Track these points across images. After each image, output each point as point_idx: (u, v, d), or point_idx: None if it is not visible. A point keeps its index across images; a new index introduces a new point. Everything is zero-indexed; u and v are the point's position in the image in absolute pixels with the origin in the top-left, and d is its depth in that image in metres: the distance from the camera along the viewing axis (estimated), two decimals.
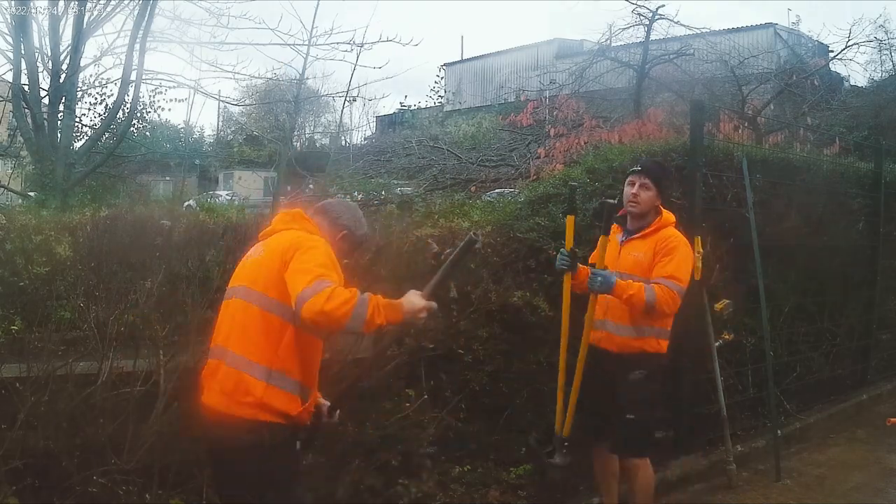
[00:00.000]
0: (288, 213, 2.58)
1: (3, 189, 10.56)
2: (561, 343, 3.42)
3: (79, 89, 11.19)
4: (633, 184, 3.43)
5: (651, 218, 3.45)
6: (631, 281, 3.24)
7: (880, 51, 14.97)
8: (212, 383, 2.38)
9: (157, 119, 16.60)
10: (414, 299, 2.35)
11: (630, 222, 3.49)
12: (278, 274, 2.30)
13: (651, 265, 3.33)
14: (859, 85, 16.38)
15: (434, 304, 2.39)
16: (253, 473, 2.33)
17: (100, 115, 12.10)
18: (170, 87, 11.91)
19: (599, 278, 3.21)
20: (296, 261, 2.28)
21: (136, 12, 10.05)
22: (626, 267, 3.39)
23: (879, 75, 16.41)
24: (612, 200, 3.37)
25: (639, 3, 10.49)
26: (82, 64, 10.71)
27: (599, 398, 3.40)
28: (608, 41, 12.00)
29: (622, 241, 3.50)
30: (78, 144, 11.43)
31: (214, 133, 32.38)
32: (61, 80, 10.19)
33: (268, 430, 2.30)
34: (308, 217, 2.56)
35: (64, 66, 10.27)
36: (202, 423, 2.44)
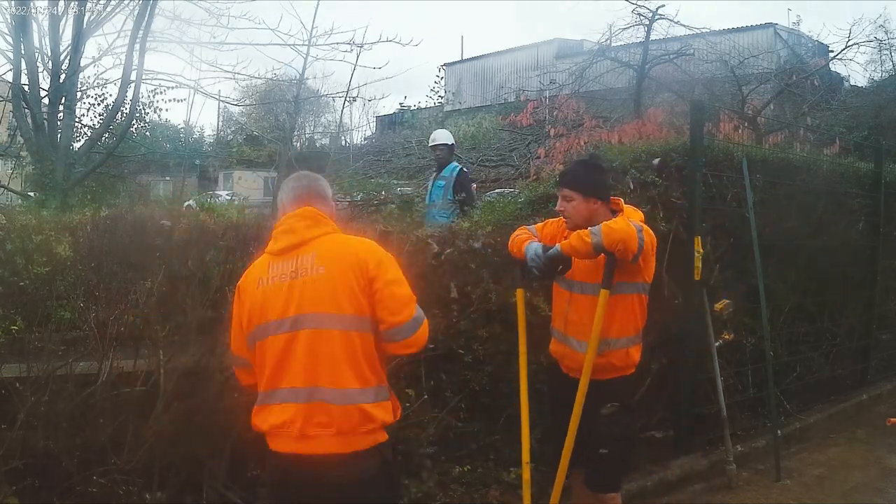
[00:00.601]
0: (307, 217, 2.25)
1: (3, 189, 10.56)
2: (520, 366, 3.20)
3: (79, 89, 11.19)
4: (559, 199, 3.11)
5: (597, 222, 2.97)
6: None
7: (880, 51, 14.99)
8: (311, 429, 2.09)
9: (157, 119, 16.60)
10: None
11: None
12: (353, 289, 2.11)
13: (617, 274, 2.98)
14: (859, 85, 16.39)
15: None
16: (382, 499, 2.21)
17: (100, 115, 12.11)
18: (170, 87, 11.88)
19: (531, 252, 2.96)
20: (386, 276, 2.13)
21: (136, 12, 10.05)
22: (580, 275, 3.07)
23: (879, 75, 16.43)
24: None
25: (639, 3, 10.49)
26: (82, 64, 10.73)
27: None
28: (608, 41, 12.01)
29: None
30: (78, 144, 11.43)
31: (214, 133, 32.39)
32: (61, 80, 10.19)
33: (387, 449, 2.19)
34: (324, 214, 2.29)
35: (64, 66, 10.27)
36: (295, 478, 2.14)
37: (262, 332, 2.17)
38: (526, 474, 3.14)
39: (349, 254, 2.15)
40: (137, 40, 9.83)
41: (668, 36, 11.49)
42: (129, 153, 12.64)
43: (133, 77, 10.14)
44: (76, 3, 10.14)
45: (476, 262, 3.90)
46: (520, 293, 3.25)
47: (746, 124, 9.32)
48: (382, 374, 2.21)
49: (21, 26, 9.59)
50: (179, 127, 22.99)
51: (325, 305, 2.09)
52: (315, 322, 2.09)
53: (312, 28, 10.13)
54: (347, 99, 12.13)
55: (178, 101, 12.72)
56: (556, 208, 3.13)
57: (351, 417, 2.09)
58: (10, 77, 9.74)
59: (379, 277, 2.13)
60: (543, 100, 14.59)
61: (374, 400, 2.13)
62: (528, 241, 3.11)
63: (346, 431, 2.08)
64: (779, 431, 4.70)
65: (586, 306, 3.00)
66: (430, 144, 6.69)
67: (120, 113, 11.00)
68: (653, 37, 10.98)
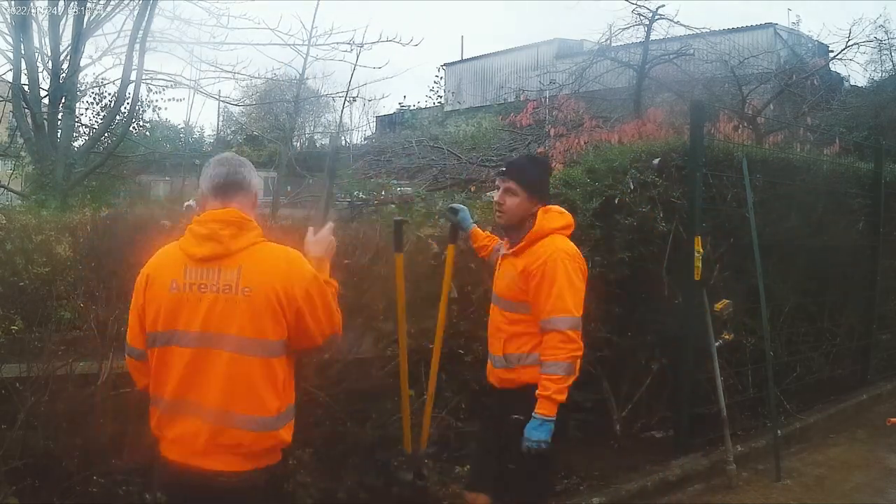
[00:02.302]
0: (231, 223, 2.08)
1: (2, 189, 10.56)
2: (399, 337, 3.07)
3: (79, 89, 11.20)
4: (497, 188, 2.88)
5: (526, 229, 2.78)
6: (544, 383, 2.60)
7: (880, 51, 14.94)
8: (214, 448, 2.05)
9: (157, 119, 16.62)
10: (316, 246, 2.31)
11: (506, 234, 2.93)
12: (278, 316, 2.04)
13: (525, 291, 2.71)
14: (859, 85, 16.35)
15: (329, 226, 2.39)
16: None
17: (99, 115, 12.11)
18: (169, 87, 11.89)
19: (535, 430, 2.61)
20: (314, 312, 2.08)
21: (136, 12, 10.07)
22: (499, 290, 2.87)
23: (879, 75, 16.39)
24: (400, 218, 3.16)
25: (639, 3, 10.48)
26: (82, 64, 10.74)
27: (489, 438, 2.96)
28: (608, 41, 11.99)
29: (501, 259, 2.94)
30: (78, 144, 11.44)
31: (214, 133, 32.35)
32: (61, 80, 10.20)
33: (280, 464, 2.17)
34: (248, 216, 2.13)
35: (64, 66, 10.28)
36: (186, 484, 2.10)
37: (166, 338, 2.07)
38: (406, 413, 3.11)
39: (275, 278, 2.04)
40: (137, 40, 9.84)
41: (668, 36, 11.47)
42: (129, 153, 12.64)
43: (133, 77, 10.16)
44: (76, 3, 10.14)
45: (476, 262, 3.90)
46: (399, 257, 3.21)
47: (746, 124, 9.32)
48: (293, 393, 2.17)
49: (21, 26, 9.60)
50: (179, 127, 23.01)
51: (248, 330, 2.02)
52: (237, 346, 2.02)
53: (312, 28, 10.10)
54: (347, 99, 12.11)
55: (178, 100, 12.73)
56: (495, 199, 2.90)
57: (261, 442, 2.07)
58: (10, 77, 9.75)
59: (306, 314, 2.07)
60: (543, 100, 14.56)
61: (286, 422, 2.12)
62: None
63: (251, 454, 2.06)
64: (779, 431, 4.70)
65: (495, 317, 2.90)
66: None
67: (120, 113, 11.01)
68: (653, 37, 10.96)
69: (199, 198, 2.24)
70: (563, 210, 2.89)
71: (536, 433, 2.58)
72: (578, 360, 2.64)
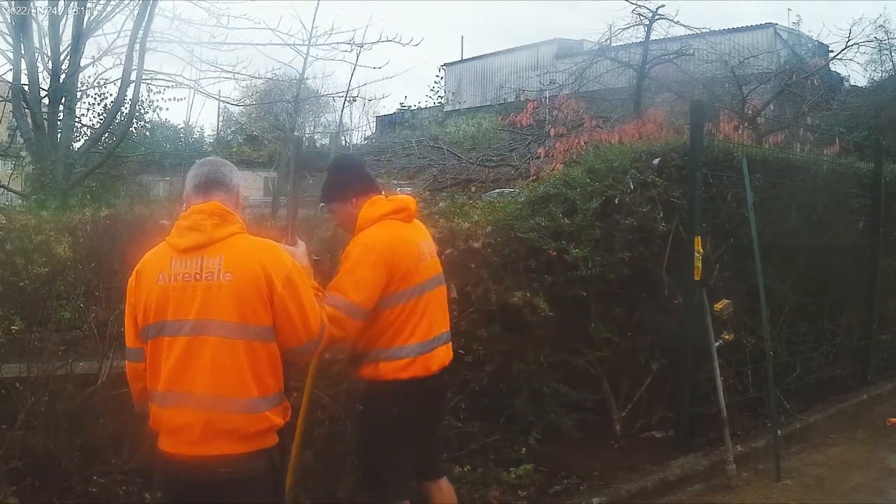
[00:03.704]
0: (214, 214, 2.15)
1: (2, 189, 10.56)
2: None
3: (79, 89, 11.20)
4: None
5: (355, 224, 2.82)
6: None
7: (880, 51, 14.95)
8: (210, 434, 2.09)
9: (157, 119, 16.62)
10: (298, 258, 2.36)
11: None
12: (259, 301, 2.09)
13: None
14: (859, 85, 16.36)
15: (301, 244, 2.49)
16: (268, 498, 2.19)
17: (100, 115, 12.11)
18: (169, 87, 11.90)
19: None
20: (295, 297, 2.14)
21: (136, 12, 10.07)
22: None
23: (879, 75, 16.39)
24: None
25: (639, 3, 10.48)
26: (82, 64, 10.74)
27: None
28: (608, 41, 11.99)
29: None
30: (78, 144, 11.44)
31: (214, 133, 32.35)
32: (61, 80, 10.20)
33: (276, 451, 2.20)
34: (230, 210, 2.20)
35: (64, 66, 10.28)
36: (184, 477, 2.12)
37: (157, 330, 2.10)
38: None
39: (256, 263, 2.09)
40: (137, 40, 9.85)
41: (668, 36, 11.48)
42: (129, 153, 12.65)
43: (133, 77, 10.16)
44: (76, 3, 10.15)
45: (476, 262, 3.90)
46: None
47: (746, 124, 9.32)
48: (282, 380, 2.20)
49: (21, 26, 9.60)
50: (179, 127, 23.00)
51: (231, 315, 2.06)
52: (221, 331, 2.06)
53: (312, 28, 10.13)
54: (347, 99, 12.12)
55: (178, 100, 12.74)
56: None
57: (253, 424, 2.10)
58: (10, 77, 9.75)
59: (285, 299, 2.10)
60: (543, 100, 14.57)
61: (274, 405, 2.15)
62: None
63: (246, 436, 2.09)
64: (779, 431, 4.69)
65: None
66: None
67: (120, 113, 11.01)
68: (653, 37, 10.97)
69: (185, 199, 2.30)
70: (389, 197, 2.85)
71: None
72: (334, 341, 2.52)
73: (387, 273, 2.64)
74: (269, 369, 2.13)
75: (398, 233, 2.74)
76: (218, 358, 2.06)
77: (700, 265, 4.43)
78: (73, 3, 10.23)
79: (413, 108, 32.06)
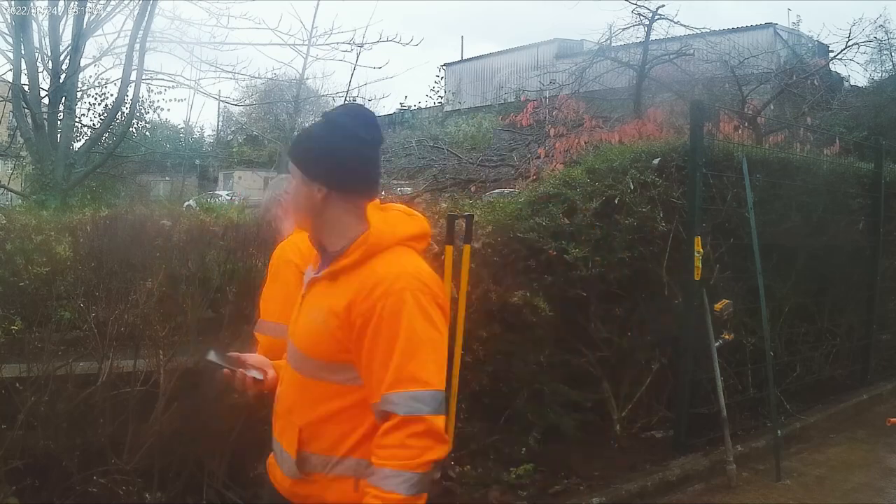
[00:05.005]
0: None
1: (2, 189, 10.57)
2: (457, 332, 2.74)
3: (79, 89, 11.20)
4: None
5: (349, 237, 1.65)
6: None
7: (880, 51, 14.97)
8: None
9: (157, 119, 16.63)
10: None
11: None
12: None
13: (345, 345, 1.56)
14: (859, 85, 16.37)
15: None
16: None
17: (100, 115, 12.12)
18: (169, 87, 11.92)
19: None
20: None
21: (136, 12, 10.09)
22: (298, 338, 1.67)
23: (879, 75, 16.42)
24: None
25: (639, 3, 10.49)
26: (82, 64, 10.75)
27: None
28: (608, 41, 11.99)
29: (306, 284, 1.74)
30: (78, 144, 11.45)
31: (214, 133, 32.38)
32: (61, 80, 10.21)
33: None
34: None
35: (64, 66, 10.28)
36: None
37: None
38: None
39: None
40: (137, 40, 9.85)
41: (668, 36, 11.48)
42: (129, 153, 12.67)
43: (133, 77, 10.17)
44: (76, 3, 10.15)
45: (476, 262, 3.90)
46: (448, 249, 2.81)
47: (746, 124, 9.32)
48: None
49: (21, 26, 9.61)
50: (179, 127, 23.04)
51: None
52: None
53: (312, 28, 10.14)
54: (347, 99, 12.12)
55: (178, 100, 12.76)
56: None
57: None
58: (10, 77, 9.76)
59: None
60: (543, 100, 14.57)
61: None
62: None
63: None
64: (779, 431, 4.69)
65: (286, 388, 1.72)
66: None
67: (120, 113, 11.01)
68: (653, 37, 10.97)
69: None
70: (410, 210, 1.81)
71: None
72: (433, 468, 1.50)
73: None
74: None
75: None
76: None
77: (700, 265, 4.43)
78: (73, 3, 10.25)
79: (413, 108, 32.06)
